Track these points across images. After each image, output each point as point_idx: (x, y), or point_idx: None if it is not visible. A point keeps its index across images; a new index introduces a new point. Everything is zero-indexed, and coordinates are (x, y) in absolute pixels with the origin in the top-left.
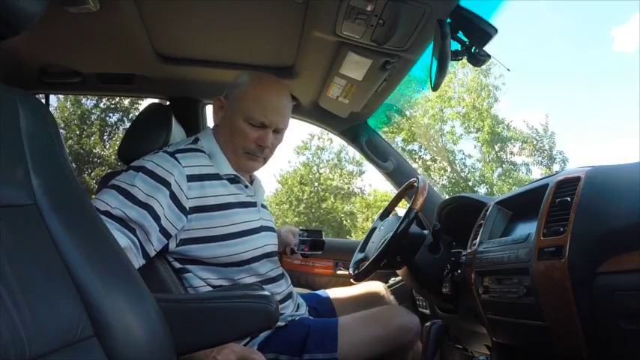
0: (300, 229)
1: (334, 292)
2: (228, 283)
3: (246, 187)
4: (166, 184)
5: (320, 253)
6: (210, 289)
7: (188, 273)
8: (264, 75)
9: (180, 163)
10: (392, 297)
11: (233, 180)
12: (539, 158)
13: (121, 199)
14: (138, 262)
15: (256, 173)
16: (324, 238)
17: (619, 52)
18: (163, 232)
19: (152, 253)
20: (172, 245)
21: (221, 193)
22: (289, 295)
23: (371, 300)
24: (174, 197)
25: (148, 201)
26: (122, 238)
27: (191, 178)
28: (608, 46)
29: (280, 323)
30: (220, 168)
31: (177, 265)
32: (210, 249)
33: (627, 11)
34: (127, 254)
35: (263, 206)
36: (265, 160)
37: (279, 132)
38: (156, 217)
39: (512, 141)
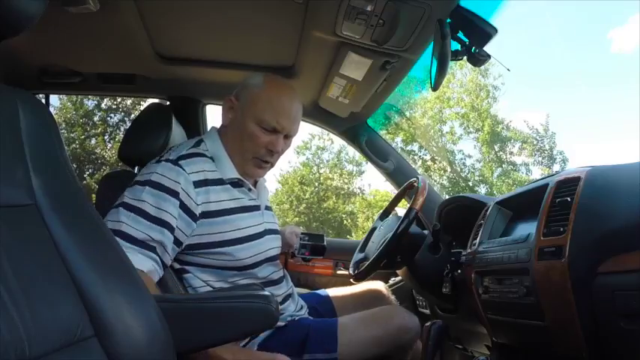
0: (302, 233)
1: (334, 292)
2: (229, 285)
3: (250, 190)
4: (174, 194)
5: (321, 257)
6: (210, 289)
7: (188, 273)
8: (277, 78)
9: (184, 170)
10: (393, 297)
11: (236, 184)
12: (540, 158)
13: (139, 219)
14: (158, 276)
15: None
16: (325, 242)
17: (617, 53)
18: (176, 242)
19: (169, 264)
20: (179, 248)
21: (224, 199)
22: (289, 296)
23: (372, 299)
24: (183, 206)
25: (162, 216)
26: (147, 262)
27: (197, 184)
28: (606, 47)
29: (280, 323)
30: (224, 172)
31: (177, 265)
32: (212, 254)
33: (624, 13)
34: (149, 275)
35: (267, 208)
36: (272, 166)
37: (288, 138)
38: (171, 230)
39: (512, 141)
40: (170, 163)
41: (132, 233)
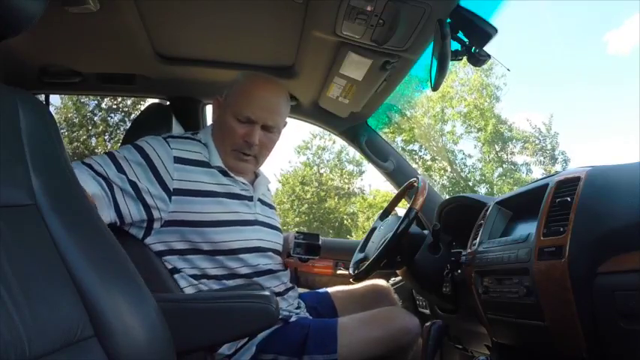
0: (297, 232)
1: (335, 291)
2: (220, 272)
3: (244, 182)
4: (148, 159)
5: (317, 257)
6: (204, 288)
7: (178, 273)
8: (259, 74)
9: (169, 145)
10: (395, 295)
11: (224, 172)
12: (541, 158)
13: (107, 160)
14: (109, 215)
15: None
16: (320, 241)
17: (614, 55)
18: (144, 204)
19: (125, 212)
20: (157, 225)
21: (206, 181)
22: (286, 291)
23: (373, 298)
24: (157, 174)
25: (127, 170)
26: (93, 185)
27: (178, 160)
28: (602, 49)
29: None
30: (212, 159)
31: (169, 265)
32: (195, 235)
33: (621, 14)
34: (97, 203)
35: (264, 202)
36: (257, 160)
37: (269, 130)
38: (133, 185)
39: (514, 141)
40: (160, 137)
41: (92, 164)
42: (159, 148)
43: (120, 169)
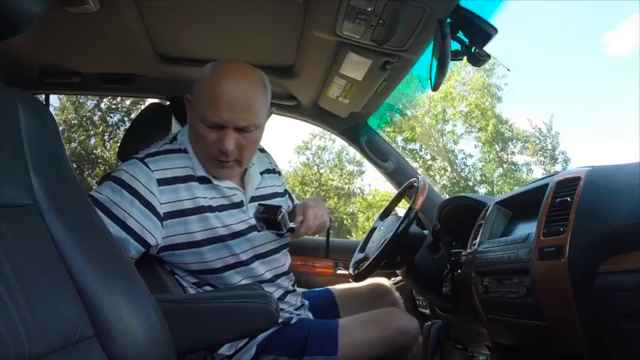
0: (259, 204)
1: (339, 290)
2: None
3: (230, 188)
4: (132, 190)
5: (283, 232)
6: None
7: (178, 275)
8: (224, 64)
9: (149, 167)
10: (397, 293)
11: (208, 181)
12: (542, 158)
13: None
14: None
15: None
16: (279, 217)
17: (612, 55)
18: (141, 241)
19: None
20: (153, 251)
21: (195, 195)
22: (285, 295)
23: (376, 297)
24: (146, 203)
25: (117, 212)
26: None
27: (162, 182)
28: (600, 50)
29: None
30: (195, 169)
31: (169, 267)
32: (186, 256)
33: (620, 15)
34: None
35: (260, 198)
36: (240, 164)
37: (245, 130)
38: (126, 228)
39: (515, 141)
40: (136, 160)
41: None
42: (140, 175)
43: (110, 216)
